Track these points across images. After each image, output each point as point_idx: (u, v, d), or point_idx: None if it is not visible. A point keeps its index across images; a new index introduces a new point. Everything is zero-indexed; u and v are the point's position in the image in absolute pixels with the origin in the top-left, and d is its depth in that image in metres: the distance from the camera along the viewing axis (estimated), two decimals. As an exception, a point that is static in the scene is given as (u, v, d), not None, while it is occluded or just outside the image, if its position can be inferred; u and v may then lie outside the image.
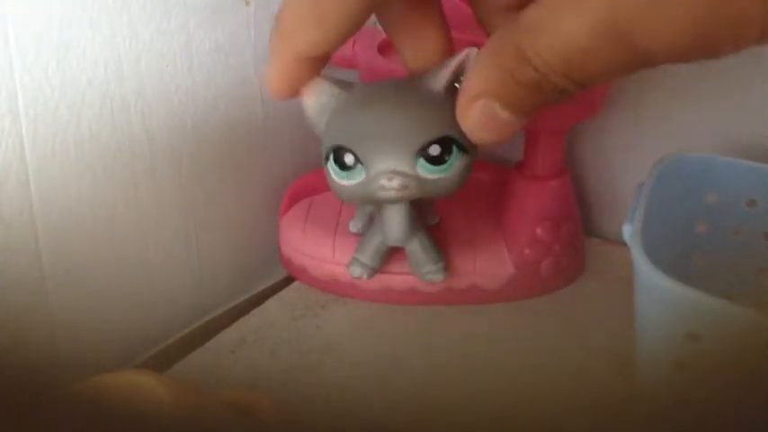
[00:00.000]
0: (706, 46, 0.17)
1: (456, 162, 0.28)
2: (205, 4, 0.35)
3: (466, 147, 0.28)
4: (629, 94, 0.41)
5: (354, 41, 0.38)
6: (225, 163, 0.38)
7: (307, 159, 0.44)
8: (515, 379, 0.34)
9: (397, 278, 0.38)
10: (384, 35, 0.33)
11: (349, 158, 0.28)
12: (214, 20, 0.36)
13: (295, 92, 0.26)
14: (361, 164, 0.28)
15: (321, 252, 0.39)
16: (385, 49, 0.37)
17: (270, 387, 0.33)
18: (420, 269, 0.37)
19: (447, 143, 0.27)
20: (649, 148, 0.42)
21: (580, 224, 0.41)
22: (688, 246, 0.36)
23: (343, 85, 0.28)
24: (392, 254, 0.37)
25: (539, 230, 0.38)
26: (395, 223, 0.34)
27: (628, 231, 0.29)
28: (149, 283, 0.36)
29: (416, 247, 0.36)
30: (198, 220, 0.38)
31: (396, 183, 0.28)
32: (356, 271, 0.37)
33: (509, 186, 0.40)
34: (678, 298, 0.25)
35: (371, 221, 0.38)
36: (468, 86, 0.22)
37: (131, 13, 0.32)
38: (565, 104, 0.34)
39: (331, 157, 0.28)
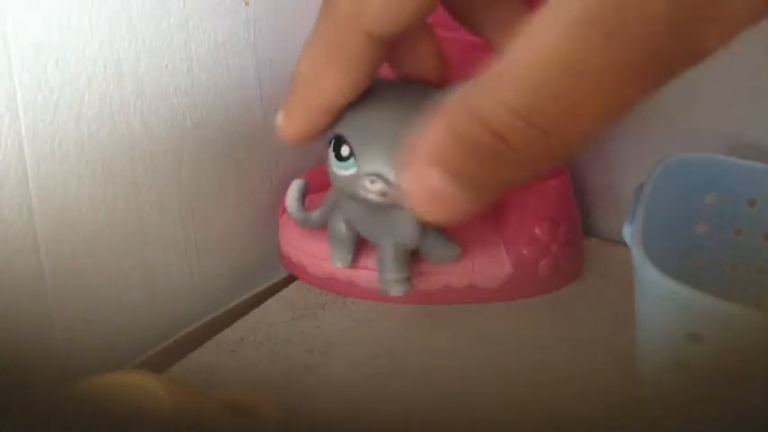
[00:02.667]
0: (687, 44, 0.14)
1: None
2: (205, 3, 0.35)
3: None
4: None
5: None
6: (224, 163, 0.38)
7: (306, 159, 0.44)
8: (515, 379, 0.34)
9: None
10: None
11: (345, 150, 0.29)
12: (213, 20, 0.36)
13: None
14: (355, 158, 0.29)
15: (319, 250, 0.39)
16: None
17: (270, 387, 0.33)
18: (442, 257, 0.37)
19: None
20: (649, 148, 0.42)
21: (579, 224, 0.41)
22: (688, 246, 0.36)
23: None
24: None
25: (537, 230, 0.38)
26: (409, 224, 0.34)
27: (628, 231, 0.29)
28: (149, 283, 0.36)
29: (432, 241, 0.36)
30: (197, 219, 0.38)
31: (377, 187, 0.28)
32: (398, 290, 0.36)
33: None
34: (678, 298, 0.25)
35: (356, 245, 0.37)
36: (417, 150, 0.17)
37: (131, 12, 0.32)
38: None
39: (332, 144, 0.29)
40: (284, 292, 0.41)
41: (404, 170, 0.18)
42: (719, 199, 0.35)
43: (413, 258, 0.37)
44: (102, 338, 0.35)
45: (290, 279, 0.42)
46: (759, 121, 0.38)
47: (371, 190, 0.29)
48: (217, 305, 0.40)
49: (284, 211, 0.42)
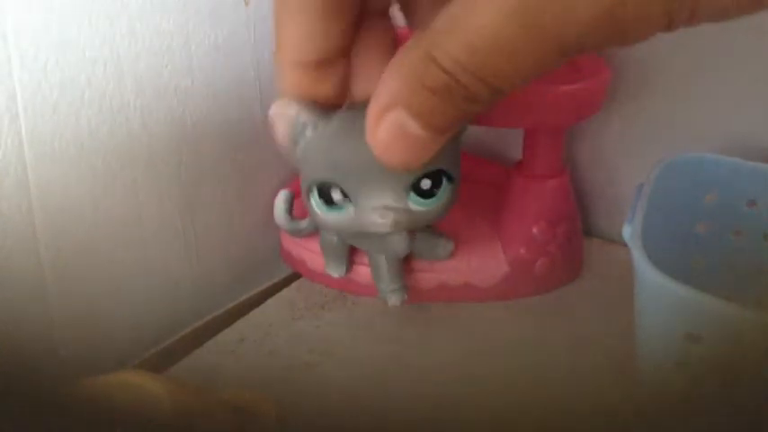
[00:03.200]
0: (616, 31, 0.17)
1: (445, 193, 0.28)
2: (204, 3, 0.35)
3: (453, 176, 0.28)
4: (629, 95, 0.41)
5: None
6: (224, 162, 0.38)
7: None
8: (515, 379, 0.34)
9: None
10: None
11: (336, 195, 0.27)
12: (213, 19, 0.36)
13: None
14: (350, 200, 0.27)
15: (318, 246, 0.39)
16: None
17: (270, 387, 0.33)
18: (434, 254, 0.37)
19: (437, 176, 0.27)
20: (649, 148, 0.42)
21: (579, 225, 0.41)
22: (688, 246, 0.35)
23: (320, 112, 0.25)
24: None
25: (535, 230, 0.38)
26: (400, 239, 0.34)
27: (628, 231, 0.28)
28: (149, 283, 0.36)
29: (422, 244, 0.36)
30: (197, 219, 0.38)
31: (389, 220, 0.27)
32: (395, 300, 0.36)
33: (508, 185, 0.40)
34: (678, 298, 0.25)
35: (349, 255, 0.38)
36: (377, 98, 0.20)
37: (131, 12, 0.32)
38: (563, 103, 0.34)
39: (315, 191, 0.27)
40: (284, 292, 0.41)
41: (369, 114, 0.20)
42: (719, 199, 0.35)
43: (409, 257, 0.37)
44: (102, 338, 0.35)
45: (291, 279, 0.42)
46: (759, 121, 0.38)
47: (384, 224, 0.27)
48: (217, 305, 0.40)
49: None
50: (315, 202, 0.28)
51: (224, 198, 0.39)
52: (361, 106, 0.22)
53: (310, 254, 0.40)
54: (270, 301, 0.40)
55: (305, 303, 0.39)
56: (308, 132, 0.26)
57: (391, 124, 0.20)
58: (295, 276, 0.42)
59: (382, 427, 0.31)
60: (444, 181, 0.28)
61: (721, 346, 0.25)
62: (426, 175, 0.27)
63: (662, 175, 0.33)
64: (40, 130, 0.30)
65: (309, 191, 0.28)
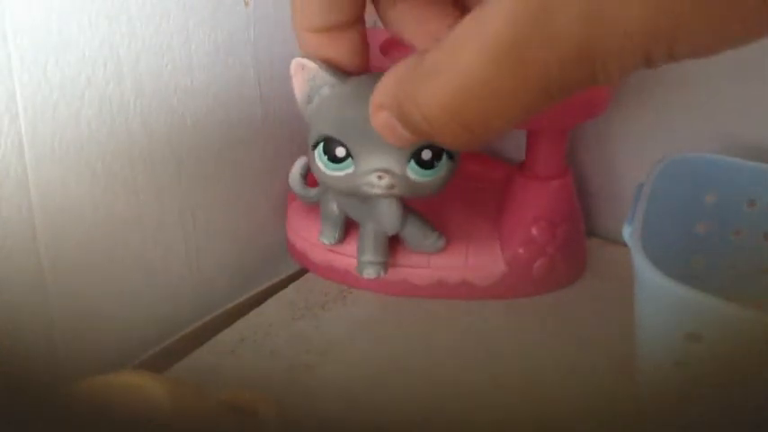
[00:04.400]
0: (597, 68, 0.17)
1: (443, 167, 0.29)
2: (204, 3, 0.35)
3: (453, 153, 0.29)
4: (629, 95, 0.41)
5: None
6: (224, 162, 0.38)
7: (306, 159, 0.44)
8: (515, 379, 0.34)
9: (390, 270, 0.38)
10: (386, 35, 0.33)
11: (340, 151, 0.29)
12: (213, 20, 0.36)
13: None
14: (352, 158, 0.29)
15: (311, 235, 0.40)
16: (387, 48, 0.37)
17: (270, 387, 0.33)
18: (421, 244, 0.37)
19: (438, 149, 0.29)
20: (650, 148, 0.42)
21: (582, 227, 0.41)
22: (688, 246, 0.35)
23: (338, 74, 0.27)
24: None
25: (534, 230, 0.38)
26: (391, 213, 0.35)
27: (627, 231, 0.29)
28: (149, 283, 0.36)
29: (413, 227, 0.36)
30: (197, 219, 0.38)
31: (385, 182, 0.29)
32: (371, 272, 0.37)
33: (510, 185, 0.40)
34: (678, 298, 0.25)
35: (344, 226, 0.39)
36: (375, 93, 0.21)
37: (131, 12, 0.32)
38: (568, 103, 0.34)
39: (321, 145, 0.29)
40: (284, 292, 0.41)
41: (372, 100, 0.21)
42: (719, 199, 0.35)
43: (408, 252, 0.38)
44: (102, 338, 0.35)
45: (290, 279, 0.42)
46: (759, 121, 0.38)
47: (379, 185, 0.29)
48: (217, 305, 0.40)
49: (293, 200, 0.42)
50: (319, 156, 0.29)
51: (224, 198, 0.39)
52: (377, 74, 0.24)
53: (312, 246, 0.40)
54: (270, 301, 0.40)
55: (305, 303, 0.39)
56: (325, 91, 0.28)
57: (385, 121, 0.21)
58: (295, 276, 0.42)
59: (382, 427, 0.31)
60: (444, 156, 0.29)
61: (721, 346, 0.25)
62: (428, 146, 0.28)
63: (662, 175, 0.33)
64: (39, 131, 0.30)
65: (315, 145, 0.29)
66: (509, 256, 0.39)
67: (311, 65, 0.26)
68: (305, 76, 0.27)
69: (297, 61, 0.27)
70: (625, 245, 0.28)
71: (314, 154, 0.29)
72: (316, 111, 0.29)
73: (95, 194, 0.33)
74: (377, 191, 0.29)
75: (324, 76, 0.27)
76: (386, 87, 0.21)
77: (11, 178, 0.29)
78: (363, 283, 0.39)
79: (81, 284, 0.33)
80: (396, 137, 0.21)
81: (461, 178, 0.40)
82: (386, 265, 0.37)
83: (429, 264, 0.38)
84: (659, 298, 0.26)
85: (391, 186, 0.29)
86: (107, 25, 0.31)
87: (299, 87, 0.28)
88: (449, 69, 0.18)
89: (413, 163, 0.29)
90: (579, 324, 0.37)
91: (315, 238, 0.40)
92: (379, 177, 0.29)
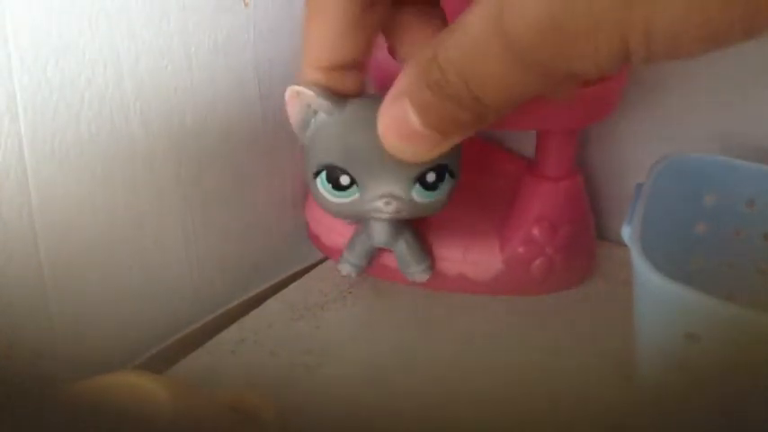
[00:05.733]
0: (566, 47, 0.17)
1: (447, 187, 0.30)
2: (204, 4, 0.35)
3: (455, 171, 0.30)
4: (629, 95, 0.41)
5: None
6: (224, 163, 0.38)
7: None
8: (517, 380, 0.34)
9: (390, 256, 0.38)
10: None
11: (345, 179, 0.28)
12: (213, 20, 0.36)
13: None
14: (357, 185, 0.29)
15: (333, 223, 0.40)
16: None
17: (270, 387, 0.33)
18: (406, 269, 0.37)
19: (442, 170, 0.29)
20: (649, 148, 0.42)
21: (590, 229, 0.41)
22: (687, 246, 0.35)
23: (335, 99, 0.27)
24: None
25: (535, 231, 0.38)
26: (381, 228, 0.35)
27: (627, 231, 0.29)
28: (149, 283, 0.36)
29: (402, 248, 0.36)
30: (197, 219, 0.38)
31: (392, 207, 0.29)
32: (344, 269, 0.38)
33: (519, 183, 0.40)
34: (678, 299, 0.25)
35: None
36: (393, 85, 0.22)
37: (130, 13, 0.32)
38: (577, 103, 0.34)
39: (323, 174, 0.29)
40: (284, 292, 0.41)
41: (384, 101, 0.22)
42: (719, 199, 0.35)
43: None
44: (102, 339, 0.35)
45: (290, 279, 0.42)
46: (759, 121, 0.38)
47: (387, 210, 0.29)
48: (217, 305, 0.40)
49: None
50: (322, 184, 0.29)
51: (224, 198, 0.39)
52: (375, 96, 0.25)
53: (329, 232, 0.41)
54: (270, 302, 0.40)
55: (305, 304, 0.40)
56: (321, 117, 0.28)
57: (397, 110, 0.21)
58: (294, 277, 0.42)
59: (383, 427, 0.31)
60: (447, 176, 0.29)
61: (721, 347, 0.25)
62: (432, 169, 0.28)
63: (661, 175, 0.33)
64: (39, 132, 0.30)
65: (317, 173, 0.29)
66: (507, 254, 0.38)
67: (307, 92, 0.26)
68: (301, 103, 0.27)
69: (292, 89, 0.27)
70: (624, 245, 0.28)
71: (316, 182, 0.29)
72: (314, 137, 0.28)
73: (95, 195, 0.33)
74: (384, 216, 0.29)
75: (320, 103, 0.27)
76: (404, 74, 0.21)
77: (11, 179, 0.29)
78: (389, 274, 0.40)
79: (81, 284, 0.33)
80: (403, 128, 0.21)
81: (472, 172, 0.40)
82: (362, 270, 0.38)
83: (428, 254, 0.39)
84: (658, 298, 0.26)
85: (398, 211, 0.29)
86: (107, 26, 0.31)
87: (293, 114, 0.28)
88: (458, 28, 0.19)
89: (418, 186, 0.29)
90: (582, 325, 0.37)
91: (334, 224, 0.40)
92: (387, 203, 0.29)
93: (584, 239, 0.41)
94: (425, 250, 0.38)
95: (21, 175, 0.29)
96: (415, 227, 0.37)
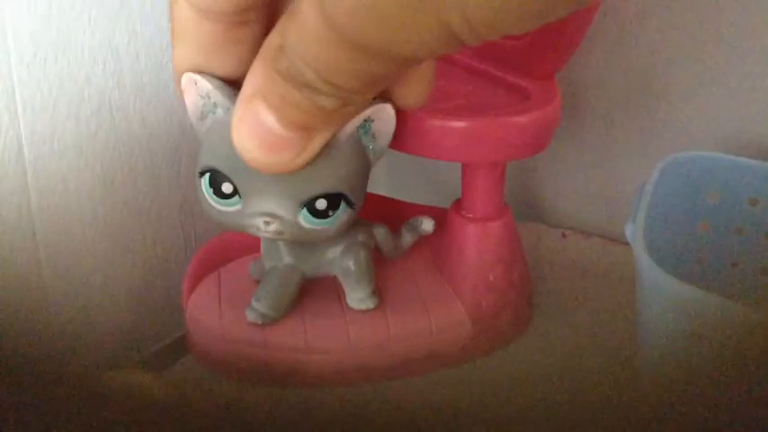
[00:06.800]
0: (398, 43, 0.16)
1: (341, 215, 0.27)
2: (205, 1, 0.35)
3: (353, 201, 0.27)
4: (629, 95, 0.41)
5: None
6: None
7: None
8: (515, 378, 0.34)
9: (347, 355, 0.33)
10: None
11: (227, 187, 0.26)
12: (214, 17, 0.35)
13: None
14: (239, 196, 0.26)
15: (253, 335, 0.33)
16: None
17: (267, 384, 0.33)
18: (349, 295, 0.33)
19: (336, 199, 0.26)
20: (649, 148, 0.42)
21: (528, 267, 0.36)
22: (690, 245, 0.35)
23: (233, 97, 0.23)
24: (336, 330, 0.33)
25: (491, 277, 0.34)
26: (289, 256, 0.32)
27: (630, 231, 0.28)
28: (148, 282, 0.36)
29: (344, 273, 0.32)
30: (197, 219, 0.38)
31: (272, 227, 0.26)
32: (251, 315, 0.32)
33: (448, 230, 0.35)
34: (680, 297, 0.25)
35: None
36: (241, 92, 0.20)
37: (130, 10, 0.32)
38: (502, 136, 0.30)
39: (207, 177, 0.26)
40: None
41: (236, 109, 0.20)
42: (721, 198, 0.35)
43: (365, 328, 0.33)
44: (102, 338, 0.35)
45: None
46: (761, 119, 0.38)
47: (266, 231, 0.26)
48: (217, 304, 0.40)
49: (190, 292, 0.37)
50: (205, 187, 0.26)
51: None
52: None
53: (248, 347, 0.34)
54: (270, 301, 0.40)
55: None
56: (219, 113, 0.25)
57: (251, 117, 0.20)
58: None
59: (381, 425, 0.31)
60: (343, 204, 0.26)
61: (722, 346, 0.25)
62: (323, 196, 0.26)
63: (664, 174, 0.32)
64: (39, 129, 0.30)
65: (202, 174, 0.26)
66: (473, 312, 0.33)
67: (204, 83, 0.23)
68: (198, 92, 0.24)
69: (189, 76, 0.23)
70: (627, 244, 0.28)
71: (200, 182, 0.26)
72: (207, 134, 0.26)
73: (95, 194, 0.32)
74: (264, 235, 0.27)
75: (218, 97, 0.24)
76: (253, 71, 0.20)
77: (10, 177, 0.29)
78: (317, 379, 0.33)
79: (80, 283, 0.33)
80: (260, 133, 0.20)
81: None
82: (272, 321, 0.32)
83: (389, 338, 0.33)
84: (661, 297, 0.26)
85: (280, 233, 0.26)
86: (107, 23, 0.31)
87: (190, 102, 0.25)
88: (296, 12, 0.18)
89: (305, 211, 0.26)
90: (582, 324, 0.37)
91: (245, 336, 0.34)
92: (266, 223, 0.26)
93: (529, 278, 0.36)
94: (370, 274, 0.33)
95: (20, 172, 0.29)
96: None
